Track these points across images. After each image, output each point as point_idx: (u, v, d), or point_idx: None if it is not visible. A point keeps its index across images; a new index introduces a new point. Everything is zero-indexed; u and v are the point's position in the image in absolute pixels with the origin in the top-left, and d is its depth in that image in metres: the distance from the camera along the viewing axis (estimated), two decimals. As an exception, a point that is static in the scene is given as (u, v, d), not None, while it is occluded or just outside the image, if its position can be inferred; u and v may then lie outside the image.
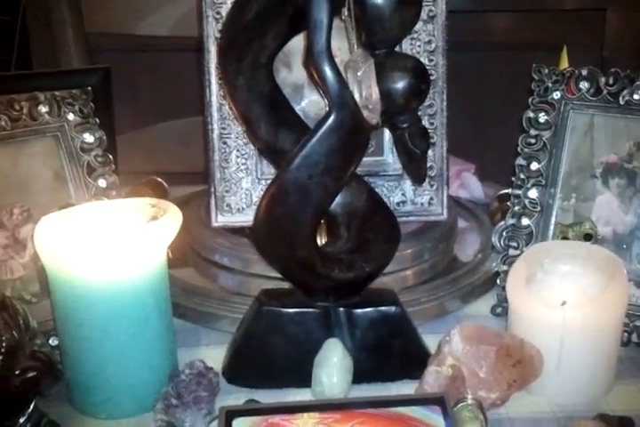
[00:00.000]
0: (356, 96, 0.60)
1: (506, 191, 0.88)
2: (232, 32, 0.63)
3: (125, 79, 1.30)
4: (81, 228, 0.65)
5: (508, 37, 1.47)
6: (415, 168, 0.67)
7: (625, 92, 0.73)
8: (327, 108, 0.61)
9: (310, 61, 0.59)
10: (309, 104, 0.82)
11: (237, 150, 0.82)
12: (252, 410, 0.58)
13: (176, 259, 0.88)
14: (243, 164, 0.82)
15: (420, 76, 0.62)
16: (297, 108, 0.80)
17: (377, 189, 0.81)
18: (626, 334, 0.71)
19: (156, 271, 0.64)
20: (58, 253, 0.61)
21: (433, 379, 0.61)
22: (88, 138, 0.77)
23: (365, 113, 0.61)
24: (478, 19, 1.45)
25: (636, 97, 0.72)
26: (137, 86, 1.38)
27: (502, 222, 0.80)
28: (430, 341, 0.70)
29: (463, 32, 1.34)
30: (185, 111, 1.31)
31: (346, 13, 0.61)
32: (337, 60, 0.77)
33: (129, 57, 1.40)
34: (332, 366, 0.64)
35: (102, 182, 0.77)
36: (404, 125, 0.64)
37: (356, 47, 0.62)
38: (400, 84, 0.61)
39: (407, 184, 0.83)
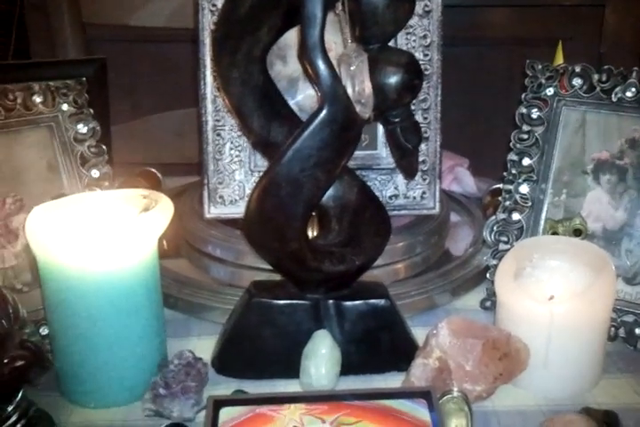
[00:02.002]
0: (349, 90, 0.61)
1: (498, 186, 0.88)
2: (226, 25, 0.63)
3: (123, 70, 1.30)
4: (73, 218, 0.65)
5: (506, 32, 1.47)
6: (407, 163, 0.68)
7: (618, 89, 0.73)
8: (320, 102, 0.61)
9: (304, 56, 0.59)
10: (305, 97, 0.82)
11: (231, 142, 0.82)
12: (239, 400, 0.58)
13: (169, 250, 0.89)
14: (236, 156, 0.82)
15: (413, 72, 0.62)
16: (292, 102, 0.81)
17: (369, 183, 0.82)
18: (613, 328, 0.72)
19: (147, 262, 0.64)
20: (49, 243, 0.61)
21: (420, 371, 0.61)
22: (82, 128, 0.77)
23: (358, 107, 0.61)
24: (476, 13, 1.45)
25: (628, 94, 0.72)
26: (134, 77, 1.38)
27: (493, 217, 0.80)
28: (419, 333, 0.70)
29: (461, 26, 1.35)
30: (181, 102, 1.31)
31: (340, 8, 0.61)
32: (332, 53, 0.78)
33: (126, 47, 1.40)
34: (321, 358, 0.65)
35: (95, 173, 0.77)
36: (397, 120, 0.64)
37: (349, 41, 0.62)
38: (393, 79, 0.61)
39: (400, 178, 0.84)
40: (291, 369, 0.66)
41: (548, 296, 0.66)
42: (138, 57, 1.40)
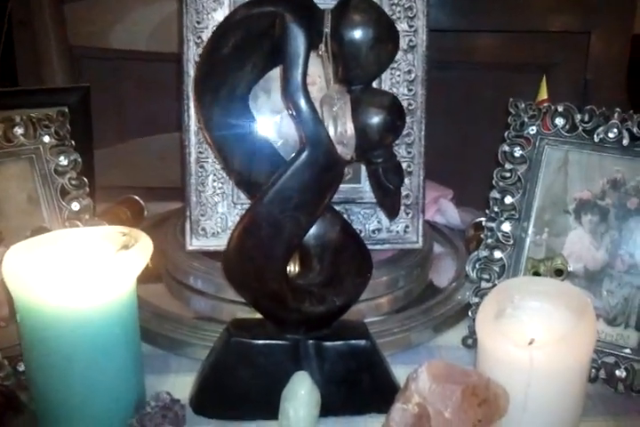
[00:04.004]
0: (331, 131, 0.60)
1: (481, 219, 0.88)
2: (209, 64, 0.63)
3: (108, 89, 1.30)
4: (50, 256, 0.64)
5: (492, 57, 1.47)
6: (389, 202, 0.67)
7: (600, 129, 0.73)
8: (301, 144, 0.61)
9: (286, 96, 0.59)
10: (288, 130, 0.82)
11: (214, 174, 0.81)
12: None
13: (150, 274, 0.87)
14: (219, 188, 0.82)
15: (395, 113, 0.62)
16: (276, 136, 0.80)
17: (353, 217, 0.82)
18: (594, 370, 0.71)
19: (124, 301, 0.64)
20: (26, 281, 0.60)
21: (399, 416, 0.61)
22: (63, 161, 0.76)
23: (339, 148, 0.61)
24: (463, 38, 1.45)
25: (610, 135, 0.72)
26: (119, 99, 1.37)
27: (475, 253, 0.80)
28: (400, 372, 0.70)
29: (448, 51, 1.35)
30: (165, 126, 1.30)
31: (323, 49, 0.61)
32: (316, 87, 0.78)
33: (112, 65, 1.39)
34: (300, 400, 0.64)
35: (76, 206, 0.76)
36: (379, 160, 0.64)
37: (332, 82, 0.62)
38: (375, 120, 0.61)
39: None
40: (270, 410, 0.65)
41: (529, 339, 0.66)
42: (123, 76, 1.40)
